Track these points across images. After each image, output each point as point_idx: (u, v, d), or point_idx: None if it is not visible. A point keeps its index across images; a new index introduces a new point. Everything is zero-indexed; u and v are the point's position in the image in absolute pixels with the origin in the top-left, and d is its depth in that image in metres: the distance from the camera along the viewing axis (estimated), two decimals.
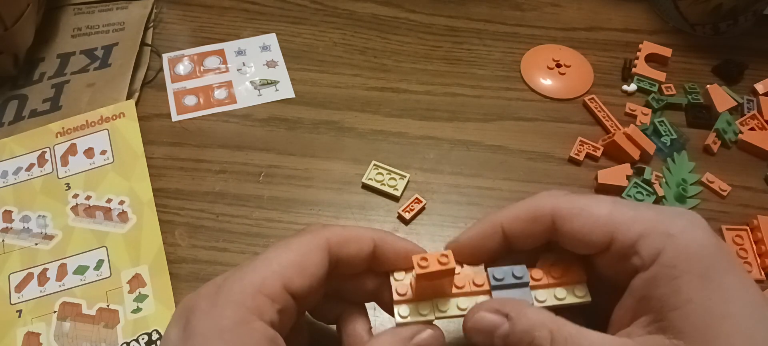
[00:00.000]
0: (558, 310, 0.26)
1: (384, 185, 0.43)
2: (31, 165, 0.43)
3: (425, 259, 0.26)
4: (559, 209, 0.26)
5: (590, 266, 0.27)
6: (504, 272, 0.27)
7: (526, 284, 0.27)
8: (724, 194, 0.44)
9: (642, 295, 0.24)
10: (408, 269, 0.28)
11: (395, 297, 0.28)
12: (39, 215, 0.41)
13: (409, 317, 0.27)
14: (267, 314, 0.24)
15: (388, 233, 0.29)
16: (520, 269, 0.27)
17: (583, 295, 0.27)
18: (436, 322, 0.28)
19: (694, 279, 0.23)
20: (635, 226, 0.24)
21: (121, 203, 0.41)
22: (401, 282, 0.28)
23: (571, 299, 0.27)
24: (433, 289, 0.27)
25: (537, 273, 0.28)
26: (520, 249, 0.28)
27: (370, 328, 0.30)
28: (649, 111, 0.48)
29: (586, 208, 0.25)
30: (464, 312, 0.27)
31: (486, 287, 0.28)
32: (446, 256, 0.26)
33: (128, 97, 0.47)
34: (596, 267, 0.26)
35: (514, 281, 0.27)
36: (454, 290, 0.28)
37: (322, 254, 0.26)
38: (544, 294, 0.27)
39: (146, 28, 0.52)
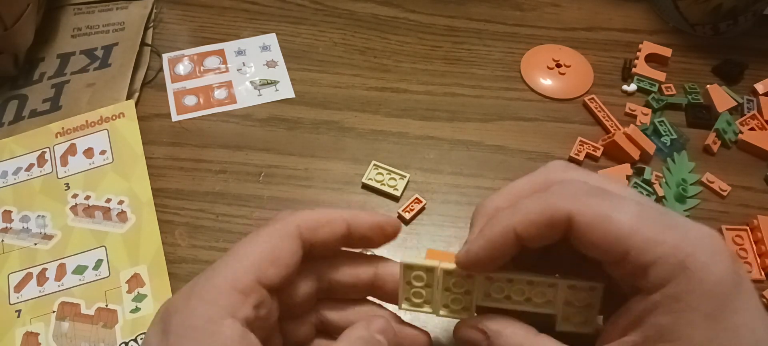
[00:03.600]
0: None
1: (384, 184, 0.43)
2: (31, 165, 0.43)
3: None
4: (578, 214, 0.23)
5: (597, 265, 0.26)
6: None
7: None
8: (724, 194, 0.44)
9: (638, 316, 0.23)
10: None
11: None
12: (38, 215, 0.41)
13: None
14: (241, 311, 0.24)
15: (359, 211, 0.28)
16: None
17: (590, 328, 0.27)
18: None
19: (699, 318, 0.22)
20: (654, 249, 0.22)
21: (121, 202, 0.41)
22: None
23: (573, 329, 0.27)
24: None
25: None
26: (532, 248, 0.26)
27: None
28: (649, 111, 0.48)
29: (607, 217, 0.23)
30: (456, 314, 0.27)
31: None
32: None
33: (128, 97, 0.47)
34: (602, 267, 0.26)
35: None
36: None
37: (293, 241, 0.26)
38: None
39: (146, 28, 0.52)
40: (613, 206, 0.23)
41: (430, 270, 0.27)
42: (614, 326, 0.25)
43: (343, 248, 0.29)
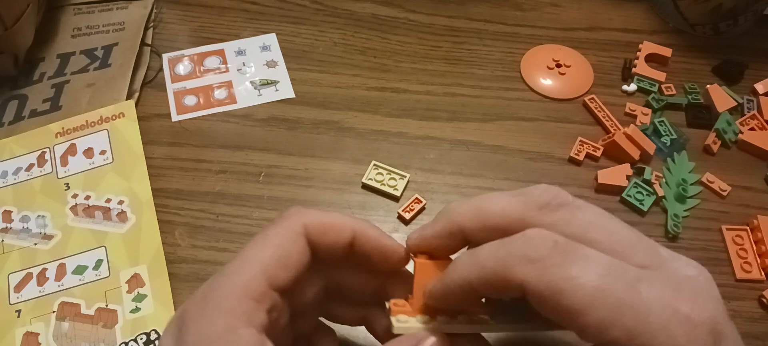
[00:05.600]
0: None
1: (384, 185, 0.43)
2: (31, 165, 0.43)
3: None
4: (532, 284, 0.21)
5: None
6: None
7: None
8: (724, 194, 0.44)
9: None
10: (406, 296, 0.28)
11: (393, 308, 0.27)
12: (38, 215, 0.41)
13: (407, 324, 0.26)
14: (255, 318, 0.24)
15: (369, 224, 0.27)
16: None
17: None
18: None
19: None
20: (608, 332, 0.20)
21: (121, 203, 0.41)
22: (399, 304, 0.27)
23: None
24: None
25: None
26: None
27: None
28: (649, 111, 0.48)
29: (560, 292, 0.21)
30: (465, 329, 0.26)
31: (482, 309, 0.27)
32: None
33: (128, 97, 0.47)
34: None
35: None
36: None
37: (301, 241, 0.26)
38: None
39: (146, 28, 0.52)
40: (571, 275, 0.21)
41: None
42: None
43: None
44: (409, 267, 0.28)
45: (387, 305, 0.27)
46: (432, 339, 0.25)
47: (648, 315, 0.20)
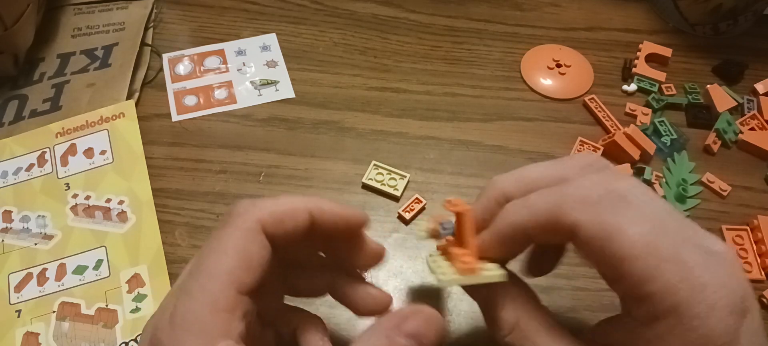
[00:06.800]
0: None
1: (384, 184, 0.43)
2: (31, 165, 0.43)
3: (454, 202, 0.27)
4: (583, 225, 0.22)
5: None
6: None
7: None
8: (724, 194, 0.44)
9: (626, 341, 0.22)
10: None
11: (456, 257, 0.27)
12: (38, 215, 0.41)
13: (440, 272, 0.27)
14: (232, 328, 0.23)
15: (322, 199, 0.27)
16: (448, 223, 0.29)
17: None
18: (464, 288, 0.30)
19: None
20: (649, 285, 0.21)
21: (121, 203, 0.41)
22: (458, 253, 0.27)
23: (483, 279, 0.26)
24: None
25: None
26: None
27: (327, 337, 0.29)
28: (649, 111, 0.48)
29: (610, 236, 0.21)
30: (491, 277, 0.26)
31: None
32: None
33: (128, 97, 0.47)
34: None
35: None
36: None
37: (260, 238, 0.25)
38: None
39: (146, 28, 0.52)
40: (621, 223, 0.22)
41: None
42: (604, 333, 0.24)
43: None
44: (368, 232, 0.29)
45: (429, 256, 0.29)
46: (419, 318, 0.25)
47: (690, 274, 0.21)
